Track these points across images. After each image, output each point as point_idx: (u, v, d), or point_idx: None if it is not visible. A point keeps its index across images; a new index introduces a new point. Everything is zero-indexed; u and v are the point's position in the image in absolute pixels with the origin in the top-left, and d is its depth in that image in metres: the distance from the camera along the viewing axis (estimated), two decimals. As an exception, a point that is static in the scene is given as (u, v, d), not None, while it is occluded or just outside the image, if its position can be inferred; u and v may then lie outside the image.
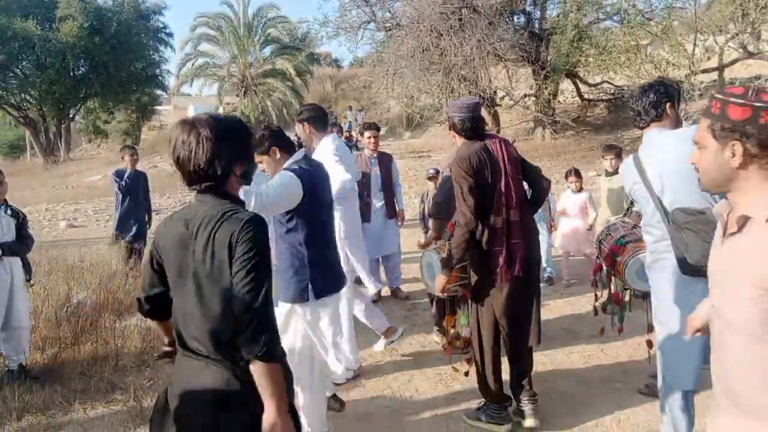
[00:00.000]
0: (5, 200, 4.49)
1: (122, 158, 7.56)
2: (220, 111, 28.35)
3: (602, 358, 4.51)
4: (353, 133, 24.59)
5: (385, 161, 6.21)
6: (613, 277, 3.74)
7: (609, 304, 3.95)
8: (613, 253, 3.50)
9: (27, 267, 4.66)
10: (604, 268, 3.79)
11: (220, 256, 1.76)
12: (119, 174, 7.37)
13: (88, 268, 6.23)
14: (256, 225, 1.80)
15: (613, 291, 3.89)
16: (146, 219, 7.62)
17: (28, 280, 4.65)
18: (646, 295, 3.49)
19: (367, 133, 6.13)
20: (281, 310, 3.24)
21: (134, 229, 7.38)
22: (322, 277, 3.24)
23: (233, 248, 1.75)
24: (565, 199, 6.56)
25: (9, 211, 4.48)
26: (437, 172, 6.19)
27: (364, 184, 5.90)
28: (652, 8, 17.27)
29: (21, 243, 4.50)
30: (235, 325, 1.72)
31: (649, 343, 3.68)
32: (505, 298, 3.40)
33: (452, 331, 4.25)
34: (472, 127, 3.47)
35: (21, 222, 4.55)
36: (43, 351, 4.77)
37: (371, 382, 4.31)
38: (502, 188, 3.36)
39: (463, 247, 3.35)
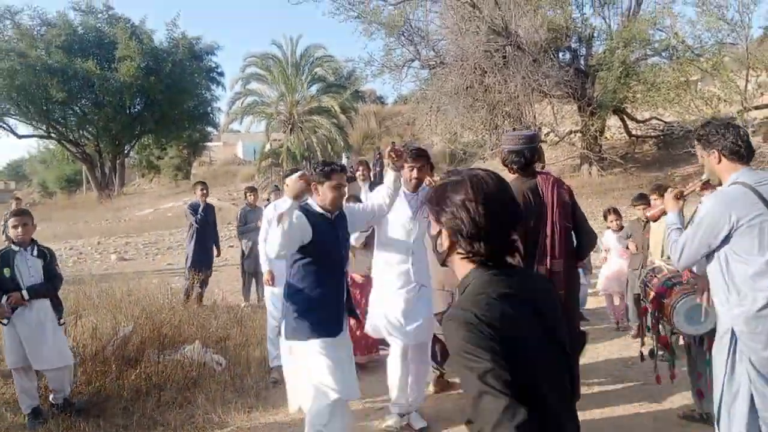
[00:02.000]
0: (33, 240, 4.53)
1: (195, 192, 7.99)
2: (267, 147, 29.00)
3: (653, 407, 4.28)
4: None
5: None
6: (660, 321, 3.60)
7: (659, 349, 3.78)
8: (660, 295, 3.40)
9: (57, 305, 4.58)
10: (650, 311, 3.66)
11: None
12: (194, 207, 7.79)
13: (135, 301, 6.34)
14: None
15: (661, 335, 3.73)
16: (214, 249, 8.18)
17: (59, 319, 4.54)
18: (697, 340, 3.36)
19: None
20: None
21: (206, 259, 7.90)
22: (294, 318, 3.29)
23: None
24: (606, 238, 6.42)
25: (35, 252, 4.49)
26: None
27: None
28: (701, 44, 16.96)
29: (48, 283, 4.49)
30: None
31: (700, 393, 3.54)
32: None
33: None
34: (526, 162, 3.33)
35: (48, 261, 4.56)
36: (88, 384, 4.83)
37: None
38: (547, 235, 3.21)
39: None
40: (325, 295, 3.29)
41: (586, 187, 16.95)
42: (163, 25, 47.80)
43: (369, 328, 4.10)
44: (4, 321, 4.35)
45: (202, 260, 7.79)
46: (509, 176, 3.36)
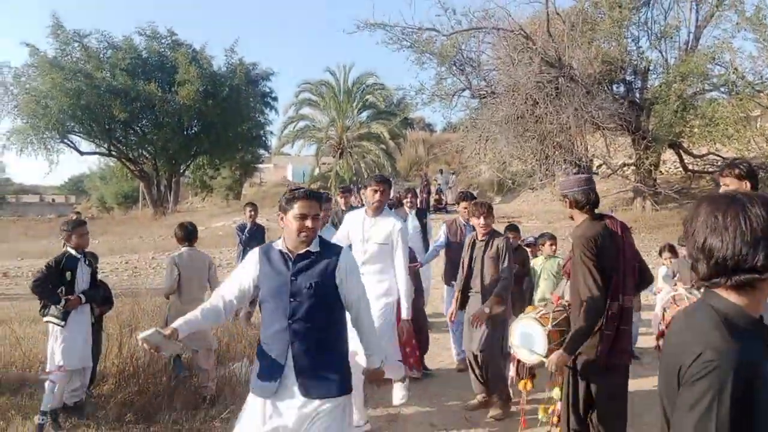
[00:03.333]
0: (84, 251, 4.99)
1: (244, 213, 8.23)
2: (317, 171, 29.50)
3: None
4: (442, 196, 24.78)
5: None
6: None
7: None
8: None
9: (93, 310, 5.06)
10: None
11: None
12: (241, 228, 8.03)
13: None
14: None
15: None
16: None
17: (94, 324, 5.04)
18: None
19: (463, 204, 6.25)
20: None
21: None
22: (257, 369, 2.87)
23: None
24: (661, 276, 6.30)
25: (87, 261, 4.98)
26: (535, 241, 6.34)
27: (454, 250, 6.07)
28: (762, 80, 16.49)
29: (94, 289, 5.01)
30: None
31: None
32: (607, 384, 3.33)
33: (526, 394, 4.12)
34: (596, 202, 3.45)
35: (94, 270, 5.08)
36: (140, 394, 4.97)
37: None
38: (622, 273, 3.31)
39: (591, 332, 3.27)
40: (267, 346, 2.82)
41: (639, 222, 16.56)
42: (222, 51, 49.56)
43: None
44: (62, 323, 4.65)
45: None
46: (579, 219, 3.46)
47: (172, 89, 31.37)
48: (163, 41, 33.77)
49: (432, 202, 23.76)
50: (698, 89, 17.70)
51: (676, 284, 5.68)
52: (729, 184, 3.10)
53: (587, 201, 3.43)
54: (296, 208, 2.78)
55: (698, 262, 1.38)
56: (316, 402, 2.73)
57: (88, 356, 4.89)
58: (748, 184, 3.07)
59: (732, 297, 1.37)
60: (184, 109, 31.10)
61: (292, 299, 2.76)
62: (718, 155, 18.53)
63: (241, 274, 2.93)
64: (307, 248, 2.83)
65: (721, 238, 1.34)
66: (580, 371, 3.37)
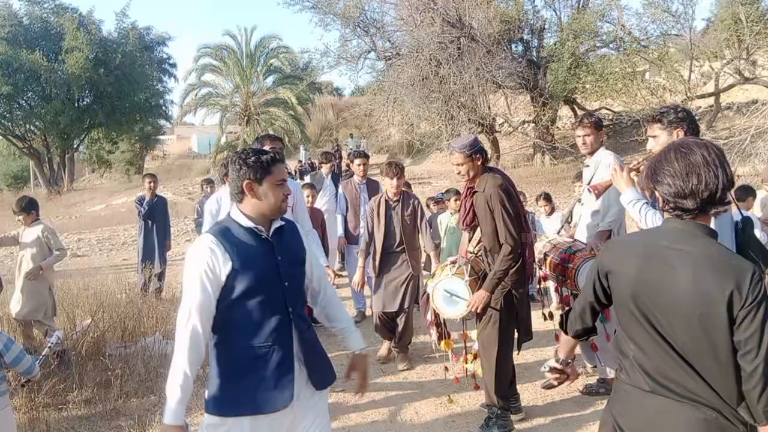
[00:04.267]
0: None
1: (143, 185, 7.97)
2: (223, 140, 28.65)
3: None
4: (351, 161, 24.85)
5: (372, 186, 6.40)
6: (564, 284, 4.01)
7: (559, 308, 4.38)
8: (564, 260, 3.83)
9: None
10: (550, 276, 4.13)
11: (715, 304, 1.66)
12: (140, 200, 7.78)
13: (93, 296, 6.28)
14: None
15: (563, 295, 4.28)
16: (166, 242, 8.12)
17: None
18: None
19: (357, 161, 6.37)
20: None
21: (157, 251, 7.81)
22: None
23: (736, 300, 1.64)
24: (541, 223, 6.79)
25: None
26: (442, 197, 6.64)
27: (354, 208, 6.34)
28: (647, 36, 17.59)
29: None
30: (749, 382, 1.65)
31: (594, 346, 4.15)
32: (526, 305, 3.86)
33: (450, 351, 4.36)
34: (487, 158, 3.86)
35: None
36: (47, 377, 4.79)
37: (370, 407, 4.34)
38: (522, 214, 3.78)
39: (514, 268, 3.65)
40: (263, 352, 2.28)
41: (539, 176, 17.41)
42: (112, 15, 46.52)
43: None
44: None
45: (151, 253, 7.76)
46: (475, 173, 3.78)
47: (59, 58, 29.13)
48: (45, 6, 31.08)
49: (344, 167, 23.77)
50: (589, 46, 18.61)
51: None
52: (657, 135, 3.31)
53: (485, 157, 3.76)
54: (276, 173, 2.31)
55: (685, 199, 1.75)
56: (322, 392, 2.46)
57: None
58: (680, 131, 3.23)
59: (709, 223, 1.80)
60: (74, 79, 28.98)
61: (286, 283, 2.33)
62: (610, 109, 19.71)
63: (205, 289, 2.21)
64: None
65: (705, 180, 1.74)
66: (510, 302, 3.76)
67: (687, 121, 3.01)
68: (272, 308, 2.28)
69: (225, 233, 2.28)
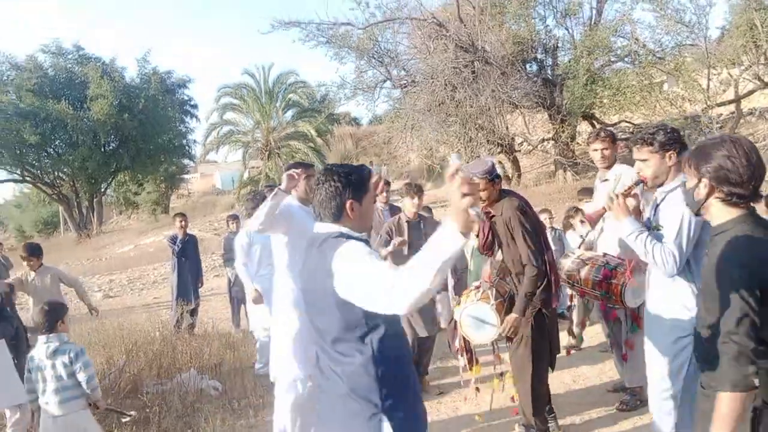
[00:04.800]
0: None
1: (175, 224, 8.14)
2: (246, 175, 29.07)
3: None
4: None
5: (395, 212, 6.43)
6: (606, 301, 3.96)
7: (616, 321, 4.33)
8: (607, 277, 3.78)
9: (18, 340, 4.77)
10: (589, 294, 4.05)
11: None
12: (173, 239, 7.92)
13: (128, 335, 6.39)
14: None
15: (610, 312, 4.32)
16: (198, 279, 8.27)
17: (19, 353, 4.69)
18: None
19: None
20: None
21: (190, 289, 7.93)
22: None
23: None
24: (570, 237, 6.74)
25: None
26: None
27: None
28: (662, 47, 17.52)
29: (4, 323, 4.63)
30: None
31: (625, 357, 4.21)
32: (553, 327, 3.89)
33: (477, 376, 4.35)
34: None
35: (1, 303, 4.73)
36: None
37: None
38: (541, 232, 3.86)
39: (541, 287, 3.68)
40: (403, 376, 2.09)
41: (562, 192, 17.30)
42: (134, 62, 47.89)
43: None
44: None
45: (186, 290, 7.89)
46: (493, 196, 3.79)
47: (85, 106, 30.07)
48: (69, 57, 32.27)
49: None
50: (605, 62, 18.60)
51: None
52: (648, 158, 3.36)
53: (501, 179, 3.86)
54: (372, 188, 2.21)
55: (742, 186, 1.87)
56: None
57: (16, 392, 4.43)
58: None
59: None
60: (99, 125, 29.86)
61: None
62: (629, 122, 19.58)
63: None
64: None
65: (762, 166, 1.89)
66: (541, 324, 3.76)
67: (679, 141, 2.95)
68: (398, 329, 2.23)
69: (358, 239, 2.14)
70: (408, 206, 5.14)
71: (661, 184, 2.96)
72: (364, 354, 1.97)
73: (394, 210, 6.47)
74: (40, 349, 3.77)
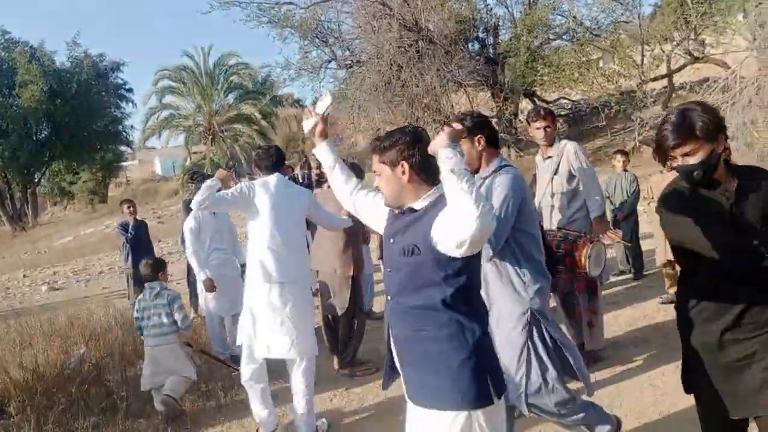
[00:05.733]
0: None
1: (122, 211, 7.89)
2: (188, 161, 28.41)
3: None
4: (322, 170, 24.91)
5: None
6: (571, 274, 4.08)
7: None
8: (567, 251, 3.90)
9: None
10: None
11: None
12: (124, 226, 7.70)
13: (85, 325, 6.27)
14: None
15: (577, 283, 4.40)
16: None
17: None
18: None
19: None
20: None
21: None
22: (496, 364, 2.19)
23: None
24: None
25: None
26: None
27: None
28: (598, 25, 18.09)
29: None
30: None
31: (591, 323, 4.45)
32: None
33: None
34: None
35: None
36: (51, 408, 4.80)
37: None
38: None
39: None
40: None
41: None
42: (63, 45, 45.70)
43: None
44: None
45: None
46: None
47: (13, 92, 28.58)
48: (-6, 42, 30.50)
49: (314, 176, 23.79)
50: (544, 39, 19.05)
51: None
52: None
53: None
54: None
55: None
56: None
57: None
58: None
59: None
60: (30, 113, 28.45)
61: None
62: (568, 98, 20.21)
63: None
64: None
65: None
66: None
67: (486, 127, 2.94)
68: None
69: None
70: None
71: (476, 171, 2.91)
72: None
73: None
74: (146, 292, 4.73)
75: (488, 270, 2.86)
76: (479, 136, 2.86)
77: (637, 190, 6.83)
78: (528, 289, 2.84)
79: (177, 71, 27.42)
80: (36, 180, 33.71)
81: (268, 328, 3.79)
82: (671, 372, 4.13)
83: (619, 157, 7.03)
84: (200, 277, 5.57)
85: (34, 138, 30.76)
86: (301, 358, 3.83)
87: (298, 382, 3.84)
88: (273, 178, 3.96)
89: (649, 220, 7.12)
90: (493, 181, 2.83)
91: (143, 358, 5.75)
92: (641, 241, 6.97)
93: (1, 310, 8.54)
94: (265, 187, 3.90)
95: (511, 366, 2.82)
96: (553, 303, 4.61)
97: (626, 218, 6.77)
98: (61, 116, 29.37)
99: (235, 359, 4.97)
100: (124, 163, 40.67)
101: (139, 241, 7.83)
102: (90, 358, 5.60)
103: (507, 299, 2.85)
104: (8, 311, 8.31)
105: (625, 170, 6.93)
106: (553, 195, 4.59)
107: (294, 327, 3.77)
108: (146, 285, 4.80)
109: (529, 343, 2.84)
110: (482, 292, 2.30)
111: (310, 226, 4.91)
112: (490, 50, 20.20)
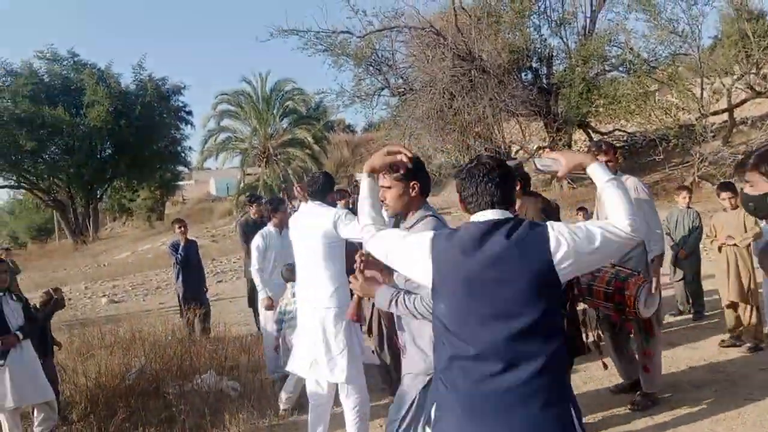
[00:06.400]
0: (8, 288, 4.87)
1: (174, 230, 8.09)
2: (242, 183, 29.18)
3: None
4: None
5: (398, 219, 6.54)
6: (620, 312, 4.01)
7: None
8: (618, 289, 3.85)
9: (46, 344, 5.14)
10: (603, 306, 4.10)
11: None
12: (175, 246, 7.87)
13: (145, 337, 6.51)
14: None
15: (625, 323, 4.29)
16: (203, 284, 8.18)
17: (45, 355, 5.06)
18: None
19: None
20: None
21: (198, 294, 7.85)
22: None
23: None
24: None
25: (14, 297, 4.85)
26: None
27: None
28: (656, 57, 17.84)
29: (30, 324, 4.84)
30: None
31: (646, 369, 4.35)
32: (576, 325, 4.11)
33: None
34: None
35: (25, 305, 4.93)
36: (112, 417, 4.99)
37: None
38: None
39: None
40: None
41: (559, 200, 17.47)
42: (129, 68, 47.89)
43: None
44: (1, 362, 4.57)
45: (194, 296, 7.78)
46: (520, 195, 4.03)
47: (81, 112, 30.12)
48: (65, 63, 32.34)
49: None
50: (599, 70, 18.91)
51: None
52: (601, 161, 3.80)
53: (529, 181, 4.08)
54: None
55: None
56: None
57: (44, 390, 4.74)
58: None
59: None
60: (95, 132, 29.94)
61: None
62: (624, 131, 19.89)
63: None
64: None
65: None
66: None
67: (424, 174, 2.75)
68: None
69: None
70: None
71: (397, 215, 2.77)
72: None
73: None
74: (287, 292, 5.18)
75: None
76: (414, 182, 2.68)
77: (699, 228, 6.65)
78: None
79: (235, 96, 28.40)
80: (98, 196, 35.22)
81: (307, 350, 3.93)
82: (733, 418, 4.01)
83: (684, 193, 6.87)
84: (261, 295, 5.74)
85: (98, 156, 32.26)
86: (343, 381, 3.85)
87: (347, 410, 3.90)
88: (303, 208, 4.15)
89: (710, 259, 6.92)
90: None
91: (200, 373, 5.98)
92: (703, 281, 6.79)
93: (66, 320, 8.94)
94: (293, 220, 4.21)
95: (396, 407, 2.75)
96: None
97: (688, 257, 6.60)
98: (125, 136, 30.75)
99: (284, 379, 5.09)
100: (180, 183, 42.07)
101: (189, 260, 7.93)
102: (150, 370, 5.80)
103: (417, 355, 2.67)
104: (73, 321, 8.70)
105: (688, 207, 6.79)
106: None
107: (329, 350, 3.83)
108: (288, 286, 5.20)
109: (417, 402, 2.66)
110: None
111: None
112: (544, 80, 20.18)
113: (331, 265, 3.94)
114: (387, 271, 2.53)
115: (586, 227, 1.95)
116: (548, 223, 1.99)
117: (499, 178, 2.05)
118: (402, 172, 2.63)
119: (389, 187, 2.68)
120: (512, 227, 1.96)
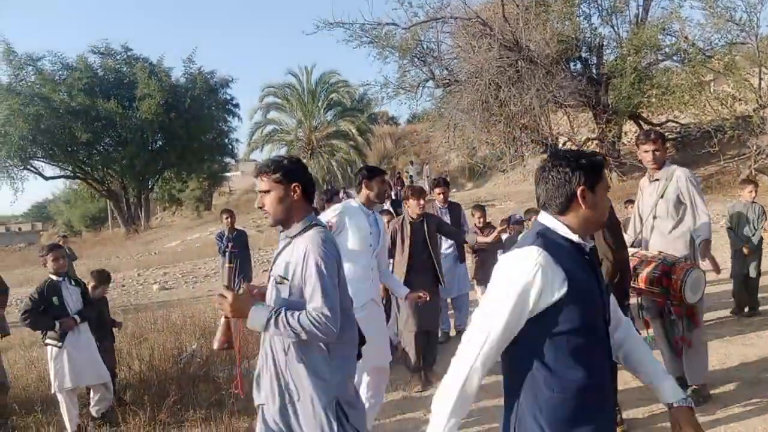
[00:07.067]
0: (66, 273, 5.11)
1: (221, 220, 8.30)
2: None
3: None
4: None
5: (454, 210, 6.54)
6: (665, 298, 3.98)
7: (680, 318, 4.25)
8: (665, 273, 3.85)
9: (104, 328, 5.37)
10: (648, 291, 4.07)
11: None
12: (221, 236, 8.10)
13: (197, 323, 6.71)
14: None
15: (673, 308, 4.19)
16: (249, 274, 8.36)
17: (104, 339, 5.32)
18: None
19: (437, 189, 6.59)
20: None
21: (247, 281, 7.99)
22: None
23: None
24: None
25: (73, 282, 5.09)
26: (522, 218, 6.74)
27: None
28: (712, 46, 17.19)
29: (89, 307, 5.09)
30: None
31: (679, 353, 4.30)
32: None
33: None
34: None
35: (84, 290, 5.16)
36: (164, 397, 5.16)
37: None
38: (618, 225, 4.10)
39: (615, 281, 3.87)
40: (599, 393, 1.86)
41: (609, 193, 17.13)
42: (179, 62, 49.07)
43: None
44: (60, 344, 4.80)
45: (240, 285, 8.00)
46: None
47: (133, 105, 31.07)
48: (118, 57, 33.38)
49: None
50: (652, 60, 18.33)
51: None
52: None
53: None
54: (605, 178, 1.95)
55: None
56: None
57: (100, 371, 5.00)
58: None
59: None
60: (147, 124, 30.82)
61: (607, 315, 1.94)
62: (677, 122, 19.26)
63: (515, 314, 1.75)
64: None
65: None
66: None
67: (307, 176, 2.52)
68: (601, 344, 1.89)
69: (547, 244, 1.79)
70: (412, 207, 5.31)
71: (281, 223, 2.51)
72: None
73: (454, 208, 6.56)
74: None
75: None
76: (296, 184, 2.44)
77: (765, 223, 6.43)
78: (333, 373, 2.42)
79: (281, 88, 28.75)
80: (149, 186, 36.28)
81: None
82: (789, 416, 3.88)
83: (750, 187, 6.63)
84: None
85: (150, 148, 33.22)
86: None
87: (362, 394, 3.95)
88: (338, 207, 4.22)
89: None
90: (303, 246, 2.38)
91: (248, 358, 6.12)
92: (761, 277, 6.54)
93: (121, 304, 9.29)
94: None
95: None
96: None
97: (752, 252, 6.36)
98: (175, 128, 31.57)
99: None
100: (228, 174, 42.91)
101: (237, 249, 8.14)
102: (200, 354, 5.98)
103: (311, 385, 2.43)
104: (127, 306, 9.03)
105: (753, 202, 6.53)
106: (655, 218, 4.46)
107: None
108: None
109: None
110: None
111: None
112: (594, 70, 19.70)
113: (360, 262, 4.10)
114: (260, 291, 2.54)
115: None
116: None
117: None
118: (280, 174, 2.41)
119: (268, 191, 2.44)
120: None
